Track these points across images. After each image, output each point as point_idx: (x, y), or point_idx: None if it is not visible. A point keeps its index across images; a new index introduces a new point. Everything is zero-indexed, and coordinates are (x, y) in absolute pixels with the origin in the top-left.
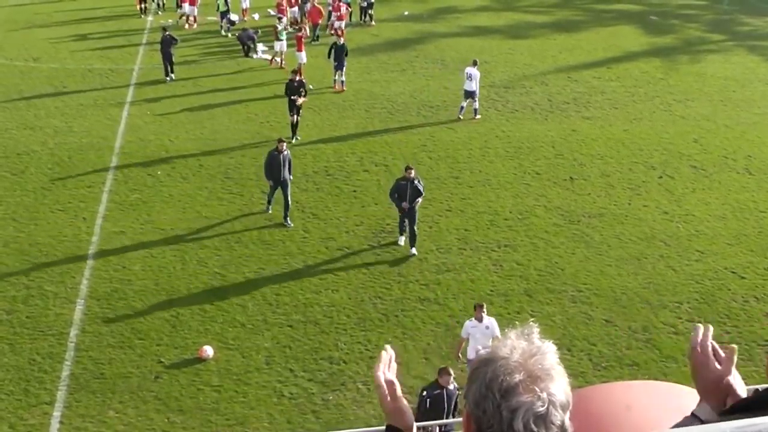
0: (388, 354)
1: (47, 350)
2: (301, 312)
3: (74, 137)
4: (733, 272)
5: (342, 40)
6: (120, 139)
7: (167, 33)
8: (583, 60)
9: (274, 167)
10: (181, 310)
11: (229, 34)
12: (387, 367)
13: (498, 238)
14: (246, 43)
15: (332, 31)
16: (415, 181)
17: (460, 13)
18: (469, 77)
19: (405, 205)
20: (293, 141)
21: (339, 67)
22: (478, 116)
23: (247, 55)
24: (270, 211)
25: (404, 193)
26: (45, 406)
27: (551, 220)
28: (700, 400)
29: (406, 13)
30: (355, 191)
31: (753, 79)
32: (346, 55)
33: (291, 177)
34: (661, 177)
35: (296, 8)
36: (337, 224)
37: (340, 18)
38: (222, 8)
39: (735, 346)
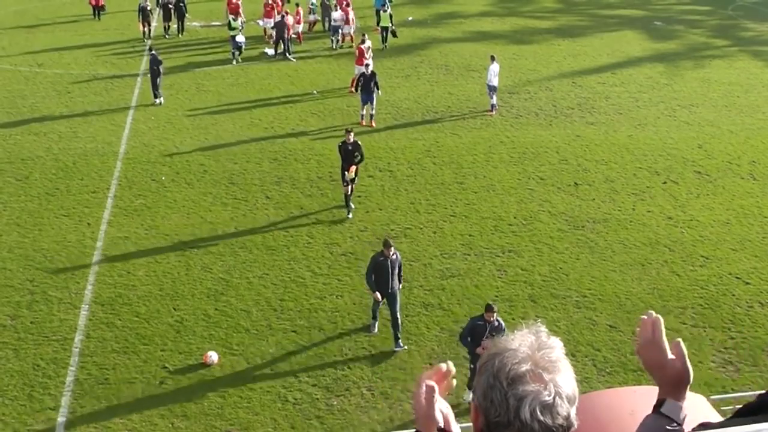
0: (447, 368)
1: (51, 356)
2: (305, 317)
3: (79, 143)
4: (737, 278)
5: (371, 68)
6: (124, 144)
7: (153, 52)
8: (588, 65)
9: (380, 276)
10: (186, 315)
11: (239, 59)
12: (436, 377)
13: (502, 244)
14: (282, 37)
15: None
16: (496, 323)
17: (464, 19)
18: (496, 73)
19: (481, 349)
20: (349, 216)
21: (368, 100)
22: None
23: (286, 53)
24: (376, 331)
25: (480, 337)
26: (49, 411)
27: (555, 225)
28: (663, 397)
29: (410, 18)
30: (359, 197)
31: (757, 84)
32: (377, 86)
33: (401, 285)
34: (665, 182)
35: (299, 24)
36: (341, 229)
37: (346, 23)
38: (233, 31)
39: (680, 339)
